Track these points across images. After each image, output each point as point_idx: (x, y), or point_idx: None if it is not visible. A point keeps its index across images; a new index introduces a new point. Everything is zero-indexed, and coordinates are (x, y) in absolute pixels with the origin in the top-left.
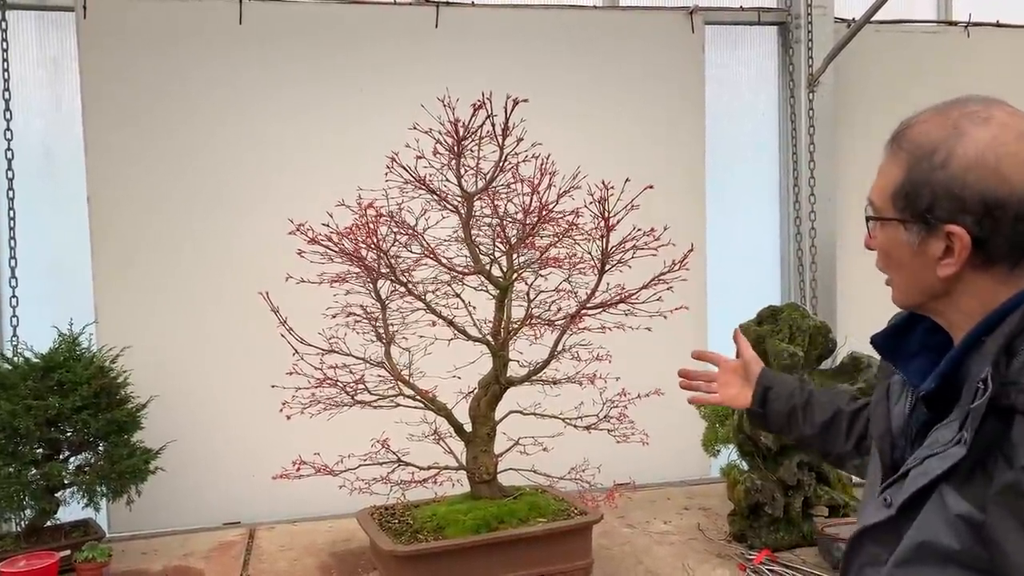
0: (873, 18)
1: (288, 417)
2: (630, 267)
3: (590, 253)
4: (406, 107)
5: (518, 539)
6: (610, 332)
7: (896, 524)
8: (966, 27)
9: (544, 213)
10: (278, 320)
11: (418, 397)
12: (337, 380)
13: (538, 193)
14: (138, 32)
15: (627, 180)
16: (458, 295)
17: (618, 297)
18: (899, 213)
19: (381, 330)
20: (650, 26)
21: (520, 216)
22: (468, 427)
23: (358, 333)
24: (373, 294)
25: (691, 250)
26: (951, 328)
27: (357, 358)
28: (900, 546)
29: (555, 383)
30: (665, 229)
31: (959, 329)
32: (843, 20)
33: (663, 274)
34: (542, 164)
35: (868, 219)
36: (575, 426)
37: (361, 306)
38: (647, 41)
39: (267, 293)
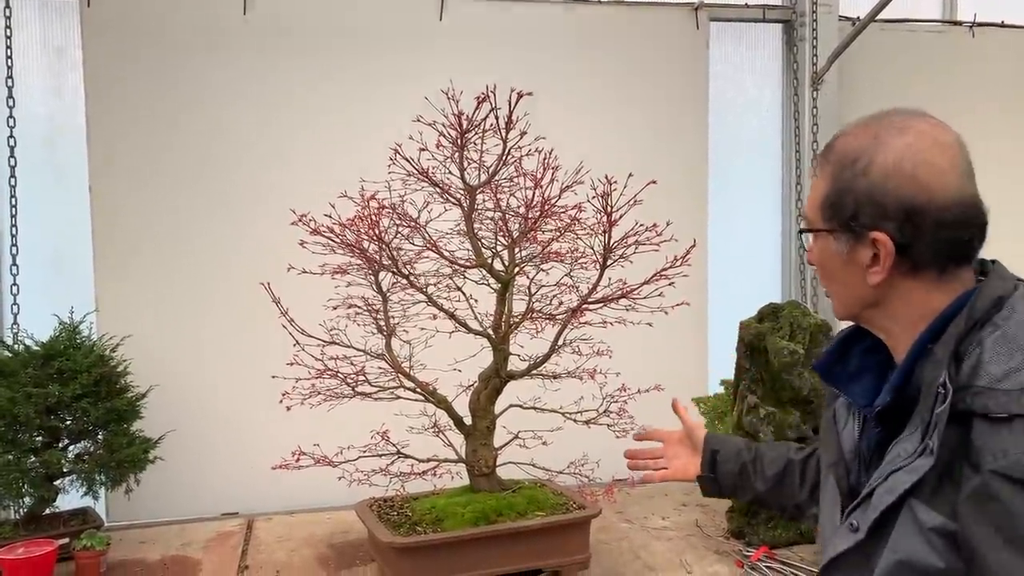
0: (878, 17)
1: (288, 408)
2: (631, 262)
3: (592, 248)
4: (409, 99)
5: (516, 532)
6: (611, 327)
7: (866, 548)
8: (971, 27)
9: (546, 208)
10: (279, 311)
11: (418, 389)
12: (338, 371)
13: (540, 187)
14: (142, 21)
15: (630, 175)
16: (459, 288)
17: (620, 292)
18: (827, 223)
19: (382, 322)
20: (654, 22)
21: (522, 210)
22: (468, 420)
23: (359, 325)
24: (374, 286)
25: (694, 246)
26: (889, 338)
27: (358, 350)
28: (878, 569)
29: (555, 377)
30: (668, 224)
31: (897, 339)
32: (848, 18)
33: (665, 269)
34: (545, 158)
35: (800, 232)
36: (575, 420)
37: (362, 298)
38: (651, 37)
39: (268, 284)
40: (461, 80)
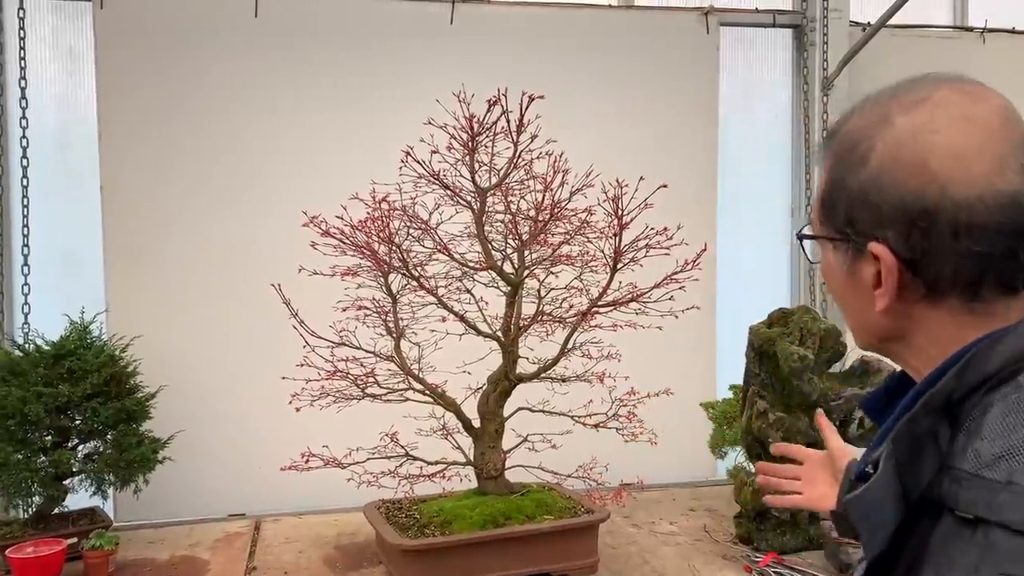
0: (888, 22)
1: (297, 409)
2: (642, 266)
3: (603, 251)
4: (420, 102)
5: (525, 536)
6: (620, 331)
7: None
8: (982, 33)
9: (556, 211)
10: (289, 312)
11: (427, 392)
12: (348, 373)
13: (551, 190)
14: (154, 23)
15: (641, 178)
16: (469, 291)
17: (630, 296)
18: (823, 229)
19: (391, 324)
20: (665, 26)
21: (532, 213)
22: (477, 423)
23: (368, 327)
24: (384, 288)
25: (704, 250)
26: (907, 366)
27: (367, 351)
28: None
29: (564, 380)
30: (679, 228)
31: (911, 368)
32: (858, 24)
33: (675, 273)
34: (555, 161)
35: (799, 237)
36: (583, 424)
37: (373, 299)
38: (662, 41)
39: (279, 285)
40: (471, 83)
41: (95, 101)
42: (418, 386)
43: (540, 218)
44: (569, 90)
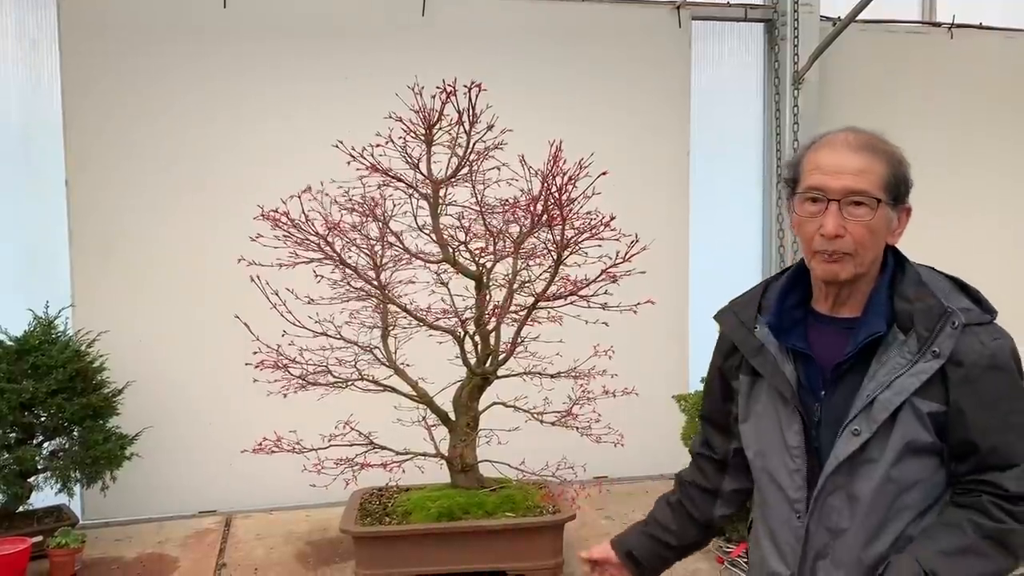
0: (858, 17)
1: (270, 394)
2: (611, 258)
3: (578, 243)
4: (391, 95)
5: (479, 531)
6: (594, 325)
7: (868, 445)
8: (949, 28)
9: (551, 204)
10: (270, 303)
11: (409, 386)
12: (327, 366)
13: (548, 184)
14: (120, 14)
15: (592, 162)
16: (445, 284)
17: (602, 282)
18: (889, 197)
19: (378, 321)
20: (638, 20)
21: (499, 209)
22: (454, 417)
23: (349, 324)
24: (374, 283)
25: (635, 242)
26: (860, 284)
27: (348, 341)
28: (888, 450)
29: (542, 375)
30: (644, 233)
31: (864, 285)
32: (829, 19)
33: (610, 267)
34: (555, 151)
35: (876, 201)
36: (541, 422)
37: (360, 288)
38: (635, 35)
39: (259, 277)
40: (442, 75)
41: (59, 94)
42: (394, 377)
43: (535, 210)
44: (542, 83)
